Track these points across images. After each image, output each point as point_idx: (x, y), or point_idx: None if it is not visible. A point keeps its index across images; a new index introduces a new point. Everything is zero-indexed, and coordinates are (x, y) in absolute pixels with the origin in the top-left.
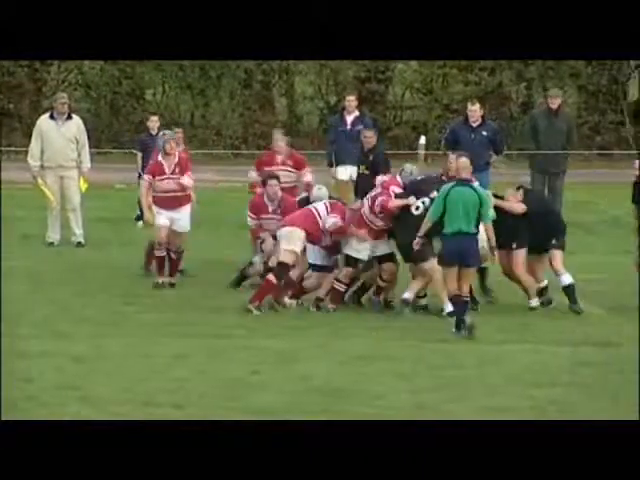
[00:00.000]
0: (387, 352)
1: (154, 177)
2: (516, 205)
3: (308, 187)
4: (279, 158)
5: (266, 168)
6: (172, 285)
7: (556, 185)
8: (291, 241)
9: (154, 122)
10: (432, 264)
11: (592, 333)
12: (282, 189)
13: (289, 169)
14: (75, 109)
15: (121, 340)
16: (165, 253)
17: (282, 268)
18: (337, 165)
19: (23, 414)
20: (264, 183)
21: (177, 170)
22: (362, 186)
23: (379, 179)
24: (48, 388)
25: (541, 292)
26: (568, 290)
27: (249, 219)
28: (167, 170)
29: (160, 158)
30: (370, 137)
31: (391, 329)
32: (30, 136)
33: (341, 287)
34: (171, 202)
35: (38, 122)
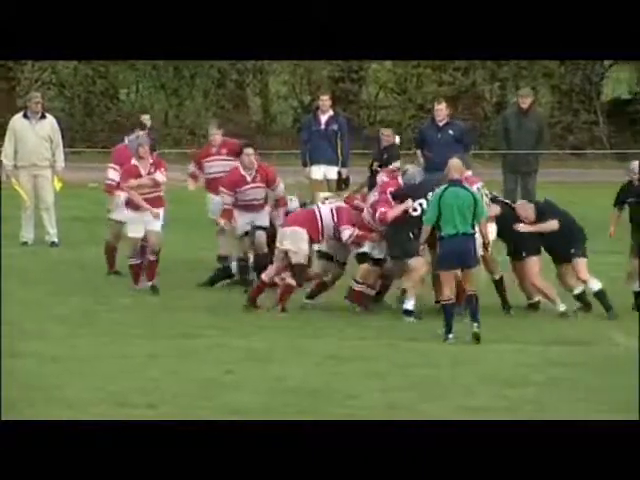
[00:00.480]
0: (361, 352)
1: (130, 180)
2: (549, 225)
3: (282, 202)
4: (213, 149)
5: (202, 160)
6: (155, 289)
7: (528, 184)
8: (296, 242)
9: (146, 120)
10: (417, 261)
11: (566, 332)
12: (217, 180)
13: (224, 157)
14: (49, 108)
15: (94, 340)
16: (140, 260)
17: (299, 270)
18: (311, 164)
19: None
20: (240, 152)
21: (153, 171)
22: (375, 183)
23: (379, 178)
24: (21, 388)
25: (578, 297)
26: (599, 296)
27: (223, 197)
28: (143, 172)
29: (134, 161)
30: (388, 135)
31: (365, 329)
32: (3, 136)
33: (359, 287)
34: (147, 203)
35: (11, 121)
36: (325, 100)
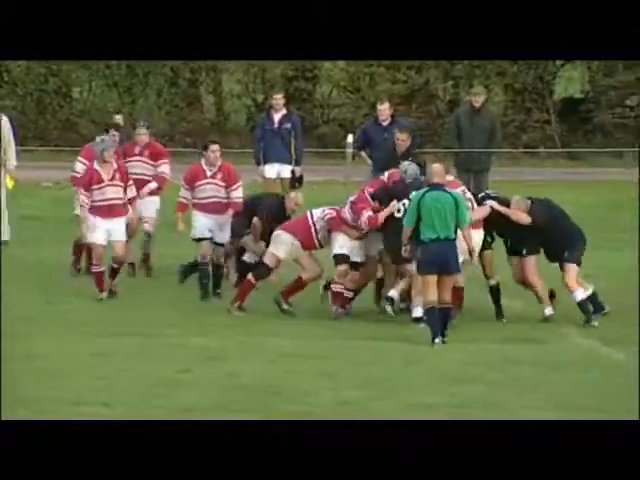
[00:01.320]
0: (315, 350)
1: (90, 187)
2: (523, 216)
3: (236, 207)
4: (137, 149)
5: (125, 159)
6: (113, 293)
7: (480, 183)
8: (276, 245)
9: (118, 120)
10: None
11: (517, 330)
12: (137, 180)
13: (146, 160)
14: (0, 107)
15: (49, 338)
16: (103, 268)
17: (264, 269)
18: (264, 163)
19: None
20: (205, 149)
21: (117, 177)
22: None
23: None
24: None
25: (590, 299)
26: (581, 307)
27: (181, 190)
28: (105, 177)
29: (96, 166)
30: (404, 140)
31: (319, 327)
32: None
33: (340, 288)
34: (109, 211)
35: None
36: (278, 99)
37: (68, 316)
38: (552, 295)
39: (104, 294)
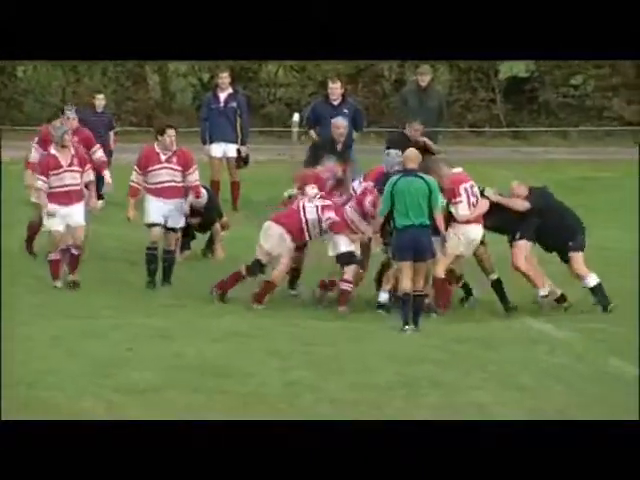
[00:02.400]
0: (261, 330)
1: (48, 173)
2: (520, 202)
3: (196, 190)
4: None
5: (48, 143)
6: (76, 284)
7: (428, 162)
8: (265, 237)
9: (99, 100)
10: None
11: (464, 310)
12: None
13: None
14: None
15: None
16: (59, 256)
17: (256, 266)
18: (210, 142)
19: None
20: (162, 133)
21: (75, 162)
22: None
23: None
24: None
25: (594, 290)
26: (595, 291)
27: (133, 174)
28: (63, 163)
29: (53, 151)
30: (417, 129)
31: (266, 307)
32: None
33: (349, 287)
34: (66, 197)
35: None
36: (224, 78)
37: (16, 299)
38: (563, 299)
39: (59, 282)
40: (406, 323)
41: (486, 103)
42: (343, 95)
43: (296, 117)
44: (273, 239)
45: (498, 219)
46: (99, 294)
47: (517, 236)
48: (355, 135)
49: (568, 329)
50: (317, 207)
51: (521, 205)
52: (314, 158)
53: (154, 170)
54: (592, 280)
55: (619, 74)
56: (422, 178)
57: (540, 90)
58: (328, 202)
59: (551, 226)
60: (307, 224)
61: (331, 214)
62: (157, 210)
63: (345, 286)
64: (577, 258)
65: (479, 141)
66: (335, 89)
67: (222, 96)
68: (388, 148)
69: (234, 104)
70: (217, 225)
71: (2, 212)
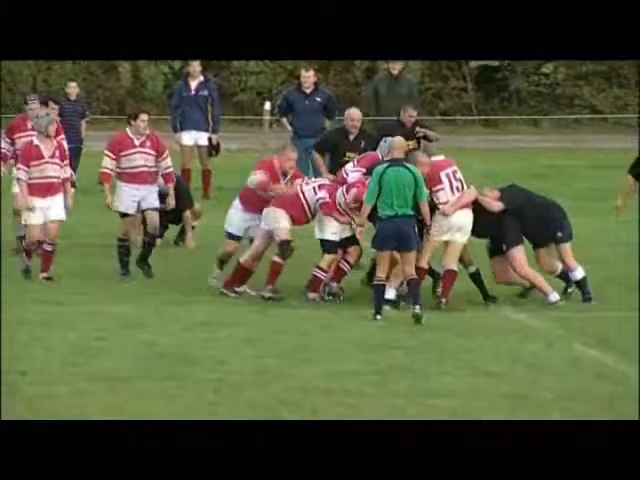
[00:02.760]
0: (232, 318)
1: (29, 163)
2: (494, 203)
3: (169, 178)
4: (29, 124)
5: (17, 134)
6: (49, 279)
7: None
8: (275, 221)
9: (72, 88)
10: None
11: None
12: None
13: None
14: None
15: None
16: (50, 247)
17: (285, 245)
18: (181, 130)
19: None
20: (135, 118)
21: (56, 154)
22: None
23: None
24: None
25: (560, 276)
26: (580, 284)
27: (106, 160)
28: (46, 154)
29: (36, 141)
30: (411, 115)
31: (235, 296)
32: None
33: (322, 275)
34: (47, 189)
35: None
36: (195, 66)
37: None
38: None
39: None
40: (378, 312)
41: (457, 91)
42: (315, 83)
43: (267, 105)
44: (272, 220)
45: (477, 225)
46: (69, 281)
47: (505, 248)
48: (327, 123)
49: (541, 318)
50: (314, 188)
51: (496, 206)
52: (325, 148)
53: (128, 155)
54: (579, 273)
55: (590, 63)
56: (408, 168)
57: (511, 78)
58: (324, 181)
59: (536, 221)
60: (308, 206)
61: (323, 194)
62: (129, 198)
63: (318, 273)
64: (566, 249)
65: (450, 129)
66: (308, 78)
67: (193, 84)
68: (385, 136)
69: (205, 92)
70: (187, 213)
71: None
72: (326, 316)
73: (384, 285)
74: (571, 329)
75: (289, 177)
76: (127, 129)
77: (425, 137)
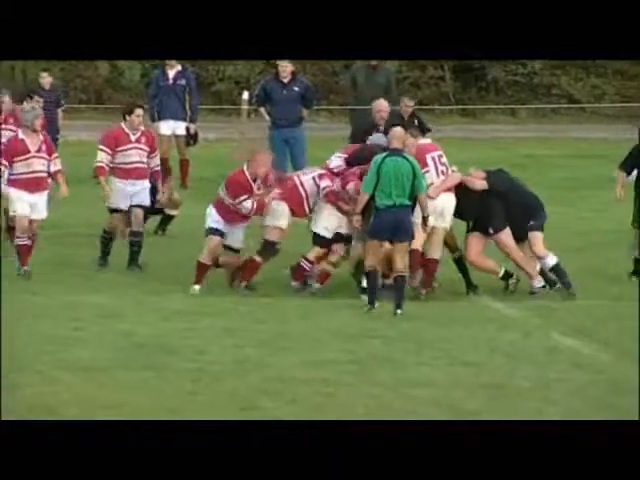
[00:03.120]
0: (211, 308)
1: (13, 158)
2: (478, 182)
3: (156, 174)
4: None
5: None
6: (28, 273)
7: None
8: (277, 217)
9: (45, 78)
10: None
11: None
12: None
13: (11, 127)
14: None
15: None
16: (29, 241)
17: (270, 246)
18: (159, 120)
19: None
20: (130, 112)
21: (43, 148)
22: None
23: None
24: None
25: (554, 269)
26: (556, 271)
27: (101, 154)
28: (32, 148)
29: (22, 135)
30: (407, 105)
31: (215, 285)
32: None
33: (307, 265)
34: (34, 184)
35: None
36: None
37: None
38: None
39: (27, 267)
40: (372, 303)
41: (435, 81)
42: (293, 73)
43: (245, 95)
44: (285, 217)
45: (461, 206)
46: (47, 271)
47: (491, 231)
48: (305, 112)
49: (519, 307)
50: (314, 178)
51: (480, 185)
52: (355, 140)
53: (125, 150)
54: (551, 260)
55: None
56: (407, 159)
57: (489, 68)
58: (322, 171)
59: (513, 207)
60: (307, 198)
61: (327, 182)
62: (122, 194)
63: (303, 262)
64: (536, 238)
65: (428, 118)
66: (286, 67)
67: (171, 73)
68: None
69: (183, 82)
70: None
71: None
72: (305, 305)
73: (377, 271)
74: (548, 318)
75: (260, 180)
76: (122, 124)
77: (420, 124)
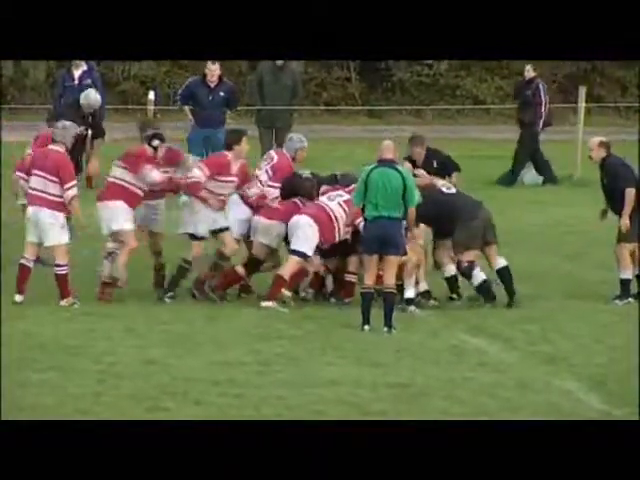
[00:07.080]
0: (114, 309)
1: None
2: (427, 178)
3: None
4: None
5: None
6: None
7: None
8: (268, 236)
9: None
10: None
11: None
12: None
13: None
14: None
15: None
16: (32, 264)
17: (253, 262)
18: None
19: None
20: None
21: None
22: None
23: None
24: None
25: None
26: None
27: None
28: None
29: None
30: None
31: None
32: None
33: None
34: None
35: None
36: None
37: None
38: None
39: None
40: (366, 322)
41: (341, 82)
42: (220, 77)
43: (151, 95)
44: (274, 235)
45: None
46: None
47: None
48: (228, 115)
49: (428, 308)
50: (339, 203)
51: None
52: None
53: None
54: (501, 262)
55: None
56: (397, 170)
57: (394, 69)
58: (346, 197)
59: (445, 209)
60: (339, 227)
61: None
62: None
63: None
64: (493, 250)
65: (334, 119)
66: (214, 71)
67: (77, 73)
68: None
69: (89, 81)
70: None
71: None
72: (210, 307)
73: (372, 293)
74: (454, 319)
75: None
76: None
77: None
